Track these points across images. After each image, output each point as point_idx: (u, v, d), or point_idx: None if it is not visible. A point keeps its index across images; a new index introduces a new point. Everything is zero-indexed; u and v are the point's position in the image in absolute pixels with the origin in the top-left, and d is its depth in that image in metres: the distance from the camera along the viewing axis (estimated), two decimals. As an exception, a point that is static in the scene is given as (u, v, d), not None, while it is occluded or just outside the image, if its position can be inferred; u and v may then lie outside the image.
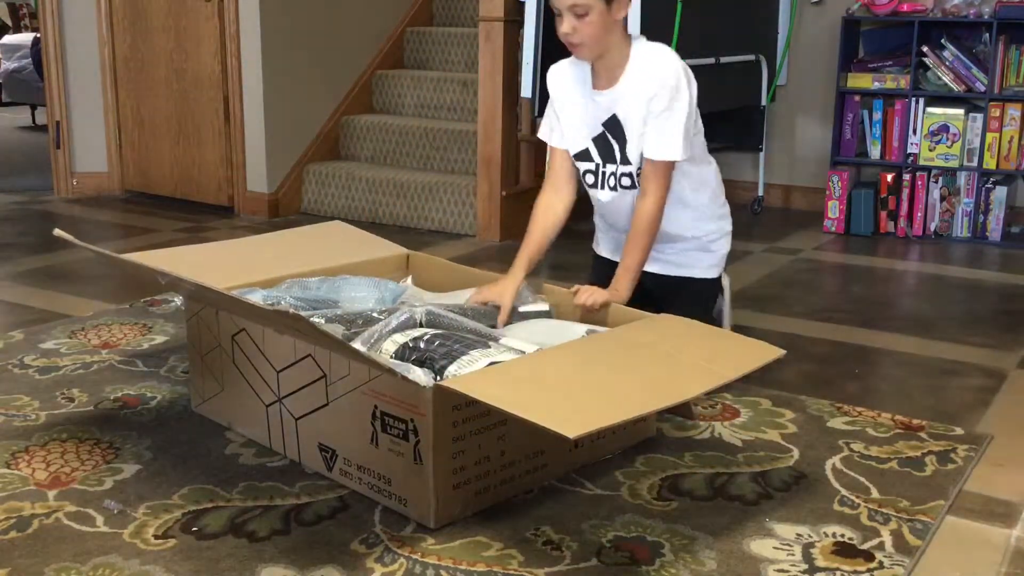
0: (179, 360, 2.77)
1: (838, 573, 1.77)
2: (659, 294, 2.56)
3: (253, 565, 1.77)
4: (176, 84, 4.97)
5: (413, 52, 5.41)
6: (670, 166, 2.42)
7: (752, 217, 4.81)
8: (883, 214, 4.51)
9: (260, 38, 4.63)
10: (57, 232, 2.36)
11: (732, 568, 1.78)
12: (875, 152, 4.54)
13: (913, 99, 4.40)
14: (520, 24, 4.09)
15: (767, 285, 3.67)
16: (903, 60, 4.45)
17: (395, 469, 1.94)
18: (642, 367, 1.96)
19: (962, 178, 4.42)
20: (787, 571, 1.77)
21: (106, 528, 1.90)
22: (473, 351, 1.99)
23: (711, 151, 2.63)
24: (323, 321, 2.18)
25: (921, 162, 4.43)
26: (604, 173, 2.51)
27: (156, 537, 1.86)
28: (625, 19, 2.39)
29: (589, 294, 2.35)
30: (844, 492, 2.07)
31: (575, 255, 3.40)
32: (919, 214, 4.46)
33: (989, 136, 4.31)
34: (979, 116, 4.33)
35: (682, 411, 2.42)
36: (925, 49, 4.35)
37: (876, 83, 4.47)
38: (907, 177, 4.45)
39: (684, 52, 2.65)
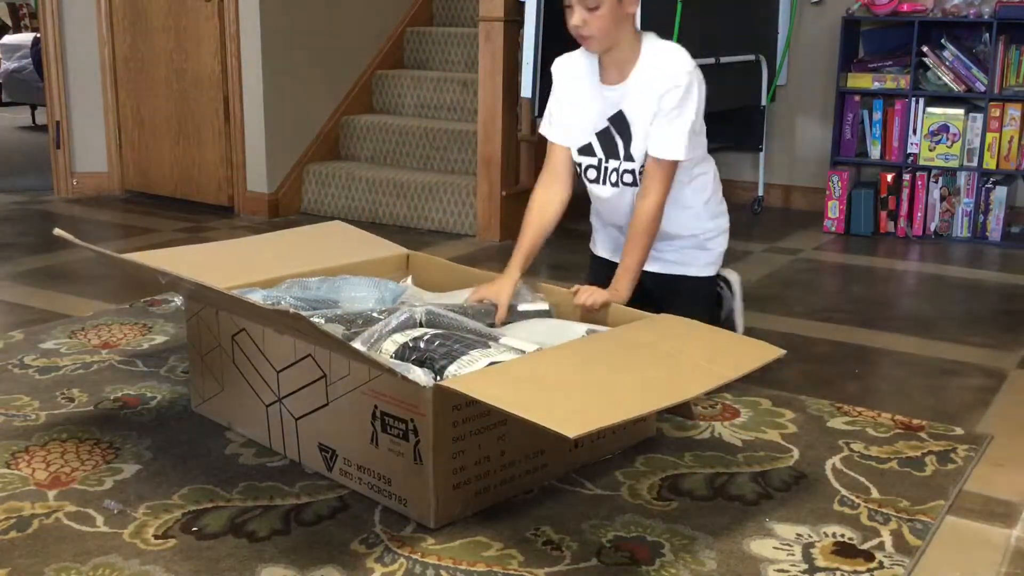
0: (179, 360, 2.77)
1: (838, 573, 1.77)
2: (658, 293, 2.56)
3: (253, 565, 1.77)
4: (176, 84, 4.97)
5: (413, 52, 5.41)
6: (674, 165, 2.42)
7: (752, 217, 4.81)
8: (883, 214, 4.51)
9: (260, 38, 4.63)
10: (57, 232, 2.35)
11: (732, 568, 1.78)
12: (875, 152, 4.54)
13: (913, 99, 4.40)
14: (520, 24, 4.09)
15: (767, 285, 3.67)
16: (903, 60, 4.45)
17: (395, 469, 1.94)
18: (642, 367, 1.96)
19: (962, 178, 4.42)
20: (787, 571, 1.77)
21: (106, 528, 1.89)
22: (473, 351, 1.99)
23: (711, 151, 2.64)
24: (323, 321, 2.17)
25: (921, 162, 4.43)
26: (607, 168, 2.51)
27: (156, 537, 1.86)
28: (635, 14, 2.39)
29: (589, 294, 2.35)
30: (844, 492, 2.06)
31: (574, 255, 3.40)
32: (919, 214, 4.46)
33: (989, 136, 4.31)
34: (979, 116, 4.32)
35: (682, 411, 2.41)
36: (925, 49, 4.34)
37: (876, 83, 4.47)
38: (907, 177, 4.45)
39: (684, 52, 2.64)
